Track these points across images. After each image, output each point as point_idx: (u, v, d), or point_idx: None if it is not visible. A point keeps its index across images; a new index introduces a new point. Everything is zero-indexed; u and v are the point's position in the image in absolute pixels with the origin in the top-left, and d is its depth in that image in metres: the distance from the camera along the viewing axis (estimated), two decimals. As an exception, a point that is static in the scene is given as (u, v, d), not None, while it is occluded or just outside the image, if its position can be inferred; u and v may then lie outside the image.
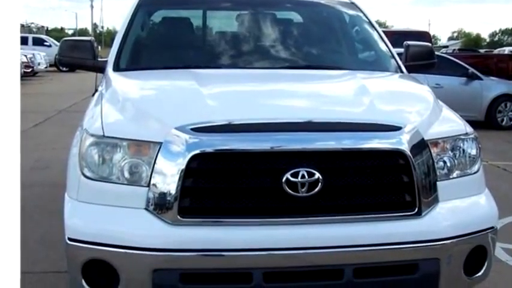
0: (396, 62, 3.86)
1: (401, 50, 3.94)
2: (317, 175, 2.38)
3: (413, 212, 2.50)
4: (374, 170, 2.48)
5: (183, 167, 2.36)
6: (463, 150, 2.75)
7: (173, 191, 2.38)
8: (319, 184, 2.38)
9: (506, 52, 27.82)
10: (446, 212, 2.58)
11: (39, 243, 4.32)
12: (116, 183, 2.49)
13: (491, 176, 4.65)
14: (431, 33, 37.15)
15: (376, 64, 3.95)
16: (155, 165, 2.42)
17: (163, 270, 2.38)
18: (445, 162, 2.67)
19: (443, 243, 2.51)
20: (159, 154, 2.42)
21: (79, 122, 2.89)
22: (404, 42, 4.00)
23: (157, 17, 4.44)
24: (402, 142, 2.49)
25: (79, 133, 2.75)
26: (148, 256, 2.36)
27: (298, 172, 2.37)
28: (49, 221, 4.64)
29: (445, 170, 2.66)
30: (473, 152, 2.78)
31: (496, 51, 34.11)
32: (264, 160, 2.42)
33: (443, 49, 37.49)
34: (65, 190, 2.68)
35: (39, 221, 4.80)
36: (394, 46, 4.06)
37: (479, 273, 2.71)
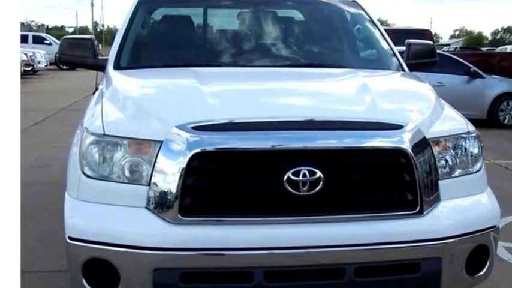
0: (398, 60, 3.85)
1: (403, 48, 3.93)
2: (318, 174, 2.37)
3: (415, 211, 2.49)
4: (375, 169, 2.47)
5: (184, 165, 2.35)
6: (465, 148, 2.74)
7: (174, 190, 2.37)
8: (321, 183, 2.37)
9: (508, 50, 27.76)
10: (448, 211, 2.57)
11: (39, 242, 4.32)
12: (116, 182, 2.48)
13: (493, 174, 4.64)
14: (433, 31, 37.20)
15: (378, 62, 3.93)
16: (156, 164, 2.41)
17: (164, 270, 2.37)
18: (446, 160, 2.66)
19: (445, 242, 2.50)
20: (159, 153, 2.41)
21: (79, 120, 2.88)
22: (406, 41, 3.99)
23: (157, 15, 4.43)
24: (404, 141, 2.48)
25: (79, 132, 2.75)
26: (148, 255, 2.35)
27: (299, 171, 2.36)
28: (49, 220, 4.65)
29: (447, 169, 2.65)
30: (475, 150, 2.77)
31: (498, 49, 34.02)
32: (265, 159, 2.41)
33: (445, 47, 37.49)
34: (65, 189, 2.67)
35: (39, 220, 4.80)
36: (396, 44, 4.05)
37: (481, 273, 2.70)
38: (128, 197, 2.45)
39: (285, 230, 2.40)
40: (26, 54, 22.57)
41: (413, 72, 3.80)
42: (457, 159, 2.69)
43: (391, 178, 2.48)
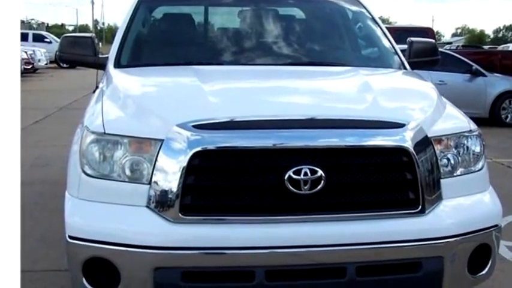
0: (400, 58, 3.84)
1: (405, 46, 3.92)
2: (320, 172, 2.36)
3: (417, 210, 2.48)
4: (377, 168, 2.45)
5: (185, 164, 2.34)
6: (467, 147, 2.73)
7: (175, 189, 2.36)
8: (322, 182, 2.36)
9: (510, 49, 27.73)
10: (450, 210, 2.56)
11: (40, 241, 4.31)
12: (116, 180, 2.48)
13: (495, 173, 4.63)
14: (435, 30, 37.10)
15: (379, 61, 3.92)
16: (156, 163, 2.41)
17: (165, 269, 2.36)
18: (448, 159, 2.65)
19: (447, 241, 2.49)
20: (160, 151, 2.41)
21: (80, 119, 2.87)
22: (408, 39, 3.97)
23: (158, 13, 4.42)
24: (406, 139, 2.47)
25: (80, 130, 2.74)
26: (149, 254, 2.35)
27: (300, 169, 2.35)
28: (49, 219, 4.64)
29: (449, 168, 2.64)
30: (477, 149, 2.76)
31: (500, 47, 33.96)
32: (266, 157, 2.40)
33: (447, 45, 37.38)
34: (66, 188, 2.66)
35: (39, 219, 4.79)
36: (398, 42, 4.03)
37: (483, 272, 2.69)
38: (128, 195, 2.45)
39: (286, 229, 2.39)
40: (26, 52, 22.58)
41: (415, 71, 3.79)
42: (459, 158, 2.68)
43: (392, 177, 2.47)
